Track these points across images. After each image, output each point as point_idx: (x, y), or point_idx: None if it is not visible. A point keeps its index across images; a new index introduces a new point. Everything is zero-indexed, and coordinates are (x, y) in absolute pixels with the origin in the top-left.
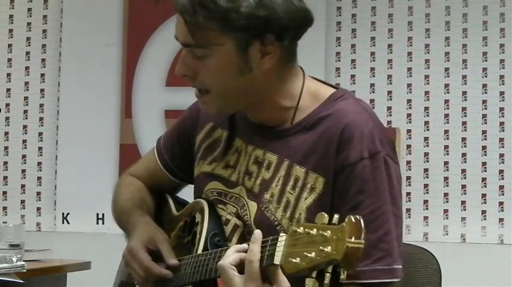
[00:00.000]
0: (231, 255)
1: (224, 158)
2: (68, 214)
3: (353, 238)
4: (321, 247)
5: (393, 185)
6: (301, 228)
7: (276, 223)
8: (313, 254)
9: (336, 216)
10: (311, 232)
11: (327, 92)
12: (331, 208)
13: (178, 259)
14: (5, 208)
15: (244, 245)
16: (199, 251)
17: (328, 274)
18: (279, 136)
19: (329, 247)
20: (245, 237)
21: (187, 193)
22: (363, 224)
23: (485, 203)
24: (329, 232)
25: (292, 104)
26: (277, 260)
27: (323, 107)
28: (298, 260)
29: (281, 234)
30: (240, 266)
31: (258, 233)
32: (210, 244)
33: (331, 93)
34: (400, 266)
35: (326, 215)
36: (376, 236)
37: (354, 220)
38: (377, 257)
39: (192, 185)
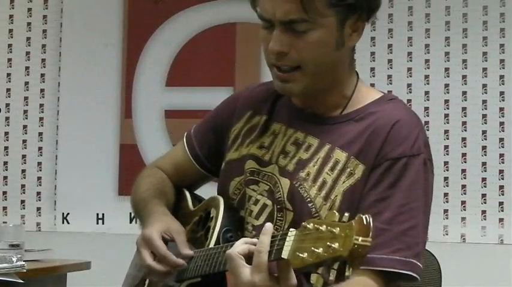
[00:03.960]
0: (240, 245)
1: (259, 140)
2: (68, 214)
3: (361, 236)
4: (328, 243)
5: (428, 189)
6: (311, 224)
7: (309, 200)
8: (320, 250)
9: (346, 214)
10: (320, 228)
11: (379, 93)
12: (362, 195)
13: None
14: (5, 208)
15: (254, 239)
16: (211, 245)
17: (333, 270)
18: (325, 123)
19: (336, 244)
20: (273, 216)
21: (204, 191)
22: (371, 224)
23: (485, 203)
24: (338, 228)
25: (348, 94)
26: (285, 254)
27: (374, 104)
28: (305, 255)
29: (291, 229)
30: (248, 258)
31: (269, 226)
32: (222, 239)
33: (383, 94)
34: (419, 264)
35: (337, 214)
36: (401, 229)
37: (364, 220)
38: (397, 248)
39: (211, 183)
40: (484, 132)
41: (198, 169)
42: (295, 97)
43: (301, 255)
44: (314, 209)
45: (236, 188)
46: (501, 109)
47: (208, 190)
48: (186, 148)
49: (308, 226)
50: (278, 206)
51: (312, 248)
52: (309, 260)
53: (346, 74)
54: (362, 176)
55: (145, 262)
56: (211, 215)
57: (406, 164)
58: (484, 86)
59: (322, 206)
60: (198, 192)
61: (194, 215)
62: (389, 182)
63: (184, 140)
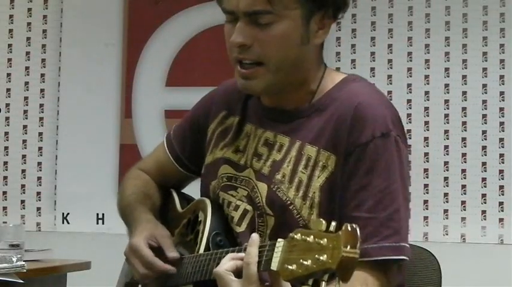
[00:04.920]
0: (227, 262)
1: (234, 143)
2: (68, 214)
3: (348, 246)
4: (316, 255)
5: (403, 167)
6: (299, 234)
7: (289, 202)
8: (309, 262)
9: (333, 223)
10: (308, 239)
11: (342, 76)
12: (341, 186)
13: (180, 258)
14: (5, 208)
15: (240, 254)
16: (201, 250)
17: (324, 282)
18: (293, 120)
19: (325, 256)
20: (254, 222)
21: (192, 189)
22: (358, 233)
23: (485, 203)
24: (325, 240)
25: (314, 88)
26: (274, 266)
27: (336, 88)
28: (294, 267)
29: (279, 239)
30: (237, 273)
31: (255, 236)
32: (211, 244)
33: (345, 76)
34: (408, 245)
35: (323, 222)
36: (385, 215)
37: (349, 229)
38: (385, 234)
39: (198, 180)
40: (484, 132)
41: (180, 170)
42: (262, 96)
43: (290, 267)
44: (295, 211)
45: (214, 193)
46: (501, 109)
47: (197, 188)
48: (167, 149)
49: (295, 236)
50: (258, 212)
51: (301, 260)
52: (298, 272)
53: (313, 71)
54: (336, 167)
55: (137, 271)
56: (199, 219)
57: (377, 146)
58: (484, 86)
59: (302, 206)
60: (186, 190)
61: (183, 218)
62: (365, 169)
63: (165, 141)
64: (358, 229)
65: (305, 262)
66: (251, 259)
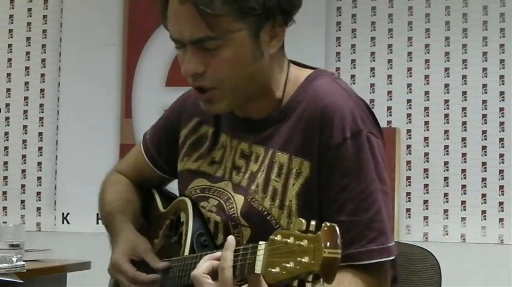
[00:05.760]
0: (203, 264)
1: (210, 155)
2: (68, 214)
3: (328, 243)
4: (298, 258)
5: (378, 163)
6: (279, 236)
7: (266, 213)
8: (291, 264)
9: (313, 222)
10: (288, 240)
11: (306, 73)
12: (319, 191)
13: (167, 261)
14: (5, 208)
15: (218, 253)
16: (186, 252)
17: (309, 283)
18: (265, 128)
19: (306, 258)
20: (231, 232)
21: (174, 186)
22: (337, 230)
23: (485, 203)
24: (305, 241)
25: (280, 94)
26: (258, 269)
27: (300, 89)
28: (277, 269)
29: (260, 242)
30: (213, 274)
31: (231, 239)
32: (196, 245)
33: (308, 74)
34: (393, 244)
35: (303, 221)
36: (368, 217)
37: (328, 228)
38: (371, 237)
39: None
40: (484, 132)
41: (157, 173)
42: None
43: (273, 270)
44: (274, 221)
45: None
46: (501, 109)
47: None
48: (143, 152)
49: (276, 238)
50: (232, 223)
51: (283, 263)
52: (282, 275)
53: (275, 78)
54: (311, 172)
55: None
56: (181, 220)
57: (349, 147)
58: (484, 86)
59: (281, 216)
60: (169, 186)
61: (165, 218)
62: (341, 172)
63: (141, 143)
64: (336, 227)
65: (288, 265)
66: (225, 264)
